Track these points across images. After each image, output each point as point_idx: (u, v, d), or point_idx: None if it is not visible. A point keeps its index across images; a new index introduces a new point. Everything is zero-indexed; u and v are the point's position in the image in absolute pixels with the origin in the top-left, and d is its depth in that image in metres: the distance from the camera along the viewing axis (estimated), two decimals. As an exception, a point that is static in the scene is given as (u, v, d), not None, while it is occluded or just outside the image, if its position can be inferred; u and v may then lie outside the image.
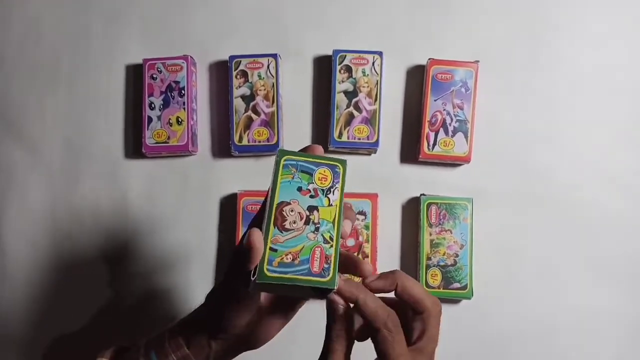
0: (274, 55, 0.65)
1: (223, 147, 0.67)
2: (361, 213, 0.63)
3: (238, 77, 0.65)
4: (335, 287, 0.36)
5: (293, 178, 0.39)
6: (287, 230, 0.37)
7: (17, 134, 0.69)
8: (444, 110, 0.63)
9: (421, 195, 0.64)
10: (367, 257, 0.63)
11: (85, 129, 0.69)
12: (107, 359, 0.45)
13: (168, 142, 0.65)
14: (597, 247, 0.65)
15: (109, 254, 0.67)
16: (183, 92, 0.65)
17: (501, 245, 0.65)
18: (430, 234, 0.63)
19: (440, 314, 0.40)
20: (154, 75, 0.66)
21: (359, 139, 0.64)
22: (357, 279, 0.41)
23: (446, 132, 0.63)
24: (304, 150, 0.41)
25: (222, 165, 0.68)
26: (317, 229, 0.37)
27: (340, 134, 0.64)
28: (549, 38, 0.67)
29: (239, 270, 0.38)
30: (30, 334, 0.67)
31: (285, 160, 0.39)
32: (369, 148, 0.64)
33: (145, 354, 0.43)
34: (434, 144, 0.63)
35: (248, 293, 0.39)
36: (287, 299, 0.44)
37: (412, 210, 0.66)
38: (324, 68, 0.67)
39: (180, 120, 0.65)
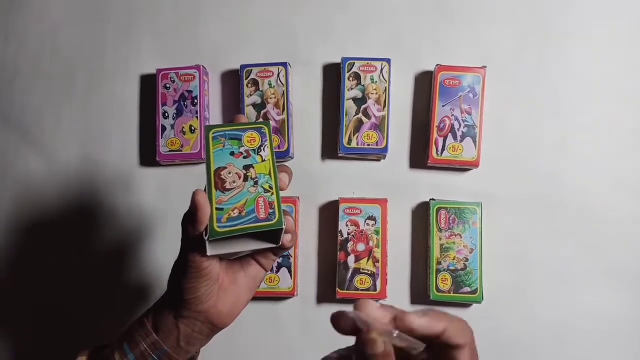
0: (284, 64, 0.66)
1: (235, 154, 0.69)
2: (371, 218, 0.64)
3: (249, 85, 0.66)
4: (284, 226, 0.40)
5: (224, 146, 0.43)
6: (228, 190, 0.41)
7: (33, 143, 0.71)
8: (452, 115, 0.64)
9: (430, 200, 0.65)
10: (378, 261, 0.63)
11: (100, 137, 0.70)
12: (85, 357, 0.46)
13: (181, 150, 0.66)
14: (607, 250, 0.65)
15: (124, 259, 0.69)
16: (195, 101, 0.66)
17: (511, 249, 0.65)
18: (440, 239, 0.63)
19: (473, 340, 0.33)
20: (167, 85, 0.67)
21: (368, 144, 0.65)
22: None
23: (454, 137, 0.64)
24: (230, 122, 0.45)
25: (233, 172, 0.69)
26: (256, 183, 0.41)
27: (350, 140, 0.65)
28: (555, 43, 0.67)
29: (191, 237, 0.40)
30: (45, 335, 0.69)
31: (213, 133, 0.43)
32: (378, 154, 0.65)
33: (118, 346, 0.44)
34: (443, 149, 0.64)
35: (202, 261, 0.40)
36: (248, 270, 0.45)
37: (421, 215, 0.67)
38: (333, 75, 0.68)
39: (193, 128, 0.66)
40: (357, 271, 0.63)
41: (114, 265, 0.69)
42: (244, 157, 0.42)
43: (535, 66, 0.67)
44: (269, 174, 0.42)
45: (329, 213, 0.67)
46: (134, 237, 0.69)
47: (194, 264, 0.40)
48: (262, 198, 0.41)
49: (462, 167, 0.66)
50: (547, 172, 0.66)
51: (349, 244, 0.64)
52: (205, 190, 0.41)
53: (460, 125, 0.64)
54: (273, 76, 0.66)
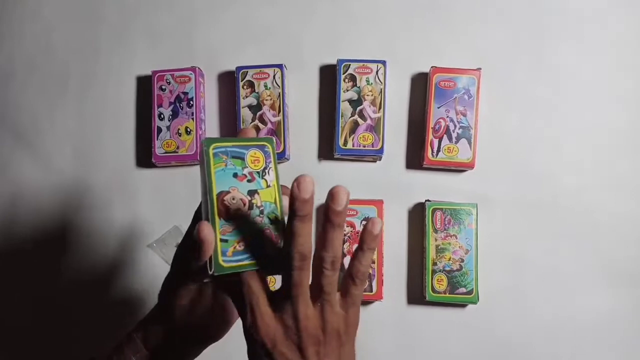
0: (280, 66, 0.66)
1: (231, 155, 0.69)
2: (367, 219, 0.64)
3: (245, 87, 0.66)
4: None
5: (226, 166, 0.37)
6: (233, 218, 0.37)
7: (28, 145, 0.71)
8: (448, 117, 0.64)
9: (426, 201, 0.65)
10: (374, 262, 0.63)
11: (96, 139, 0.70)
12: None
13: (177, 152, 0.66)
14: (602, 251, 0.65)
15: (120, 262, 0.69)
16: (191, 102, 0.66)
17: (506, 249, 0.66)
18: (436, 240, 0.64)
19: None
20: (163, 87, 0.67)
21: (364, 146, 0.65)
22: None
23: (450, 139, 0.64)
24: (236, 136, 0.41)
25: (230, 174, 0.69)
26: (262, 212, 0.37)
27: (346, 142, 0.65)
28: (550, 44, 0.68)
29: (189, 264, 0.38)
30: (46, 342, 0.69)
31: (214, 148, 0.37)
32: (374, 155, 0.65)
33: None
34: (438, 151, 0.64)
35: (197, 284, 0.40)
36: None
37: (417, 216, 0.67)
38: (328, 77, 0.69)
39: (189, 130, 0.66)
40: (353, 272, 0.63)
41: (110, 268, 0.68)
42: (248, 181, 0.38)
43: (530, 68, 0.67)
44: (275, 202, 0.38)
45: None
46: (130, 239, 0.69)
47: (189, 287, 0.40)
48: (268, 230, 0.37)
49: (457, 169, 0.66)
50: (542, 173, 0.66)
51: (345, 246, 0.64)
52: (204, 213, 0.38)
53: (455, 126, 0.64)
54: (269, 78, 0.66)
